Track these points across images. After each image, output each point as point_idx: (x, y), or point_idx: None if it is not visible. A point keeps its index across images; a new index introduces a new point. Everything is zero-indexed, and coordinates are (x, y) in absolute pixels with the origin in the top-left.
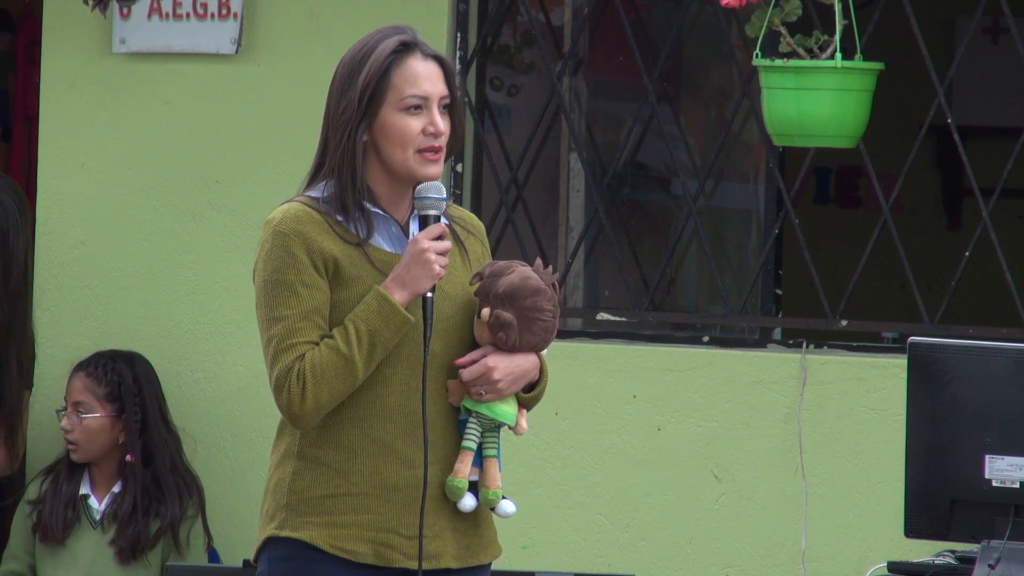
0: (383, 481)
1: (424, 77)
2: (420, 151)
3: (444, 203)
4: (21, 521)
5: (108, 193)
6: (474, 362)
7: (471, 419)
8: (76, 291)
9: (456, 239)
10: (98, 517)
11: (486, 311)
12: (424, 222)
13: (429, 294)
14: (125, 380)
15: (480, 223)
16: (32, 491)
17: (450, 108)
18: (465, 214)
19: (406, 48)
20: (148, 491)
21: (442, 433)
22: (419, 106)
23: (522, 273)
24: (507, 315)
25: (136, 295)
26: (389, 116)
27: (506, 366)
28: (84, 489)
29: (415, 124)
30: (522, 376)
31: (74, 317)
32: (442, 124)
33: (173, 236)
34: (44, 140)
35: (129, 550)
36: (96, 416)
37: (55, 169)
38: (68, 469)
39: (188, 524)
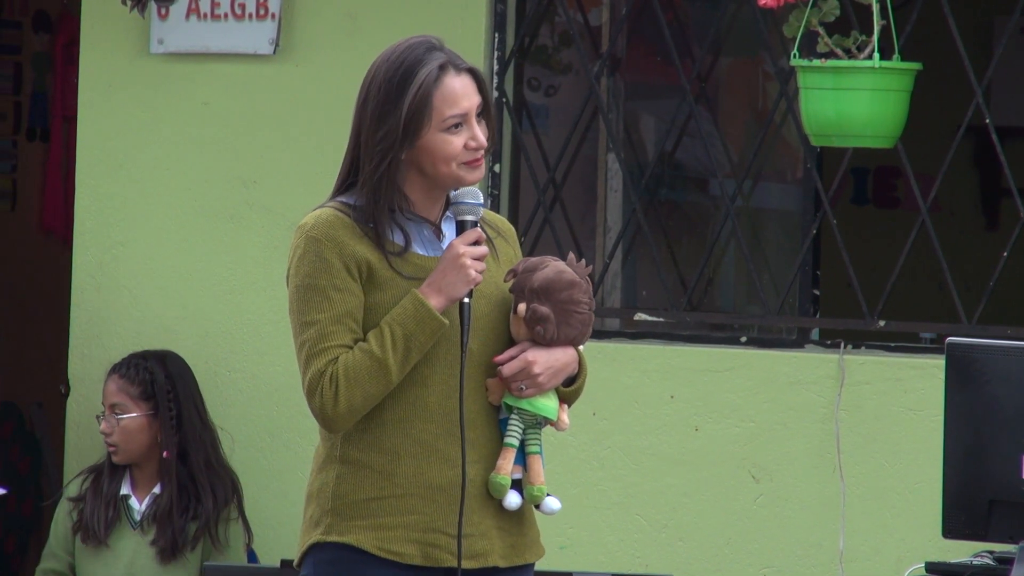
0: (427, 481)
1: (462, 95)
2: (464, 163)
3: (481, 208)
4: (61, 519)
5: (146, 194)
6: (513, 358)
7: (512, 416)
8: (114, 292)
9: (488, 240)
10: (138, 518)
11: (522, 306)
12: (461, 227)
13: (466, 299)
14: (157, 378)
15: (511, 226)
16: (73, 489)
17: (485, 113)
18: (495, 217)
19: (445, 64)
20: (185, 488)
21: (483, 431)
22: (460, 123)
23: (556, 267)
24: (544, 309)
25: (174, 296)
26: (432, 137)
27: (545, 360)
28: (125, 489)
29: (458, 141)
30: (561, 369)
31: (112, 318)
32: (482, 136)
33: (211, 236)
34: (82, 141)
35: (169, 550)
36: (132, 416)
37: (93, 170)
38: (110, 469)
39: (225, 523)
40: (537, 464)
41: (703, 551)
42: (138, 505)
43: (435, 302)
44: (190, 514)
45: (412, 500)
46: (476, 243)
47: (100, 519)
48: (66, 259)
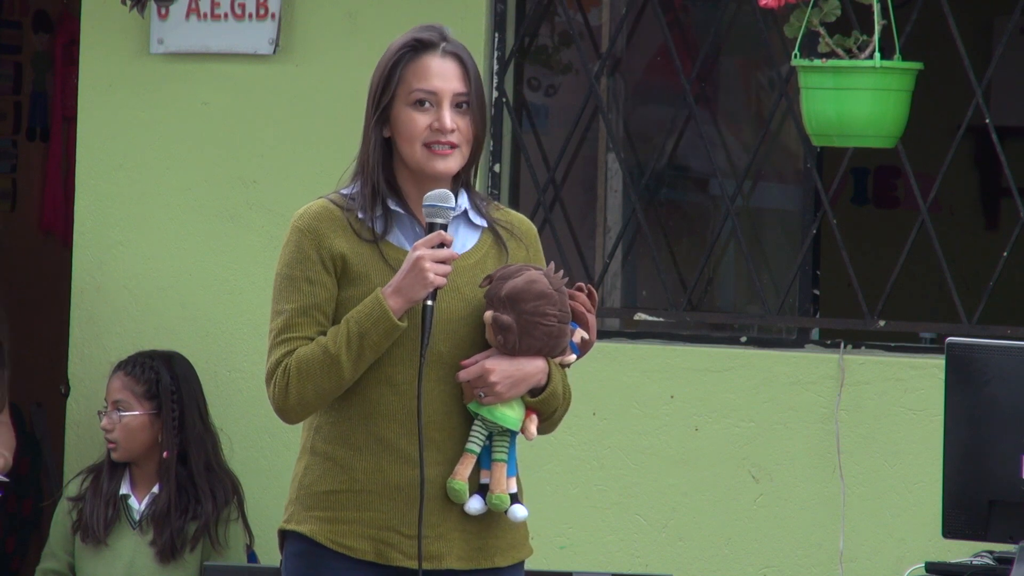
0: (386, 479)
1: (435, 74)
2: (427, 145)
3: (451, 211)
4: (61, 519)
5: (146, 193)
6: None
7: (476, 422)
8: (114, 292)
9: (499, 241)
10: (137, 517)
11: (488, 314)
12: (430, 230)
13: (429, 302)
14: (163, 378)
15: (531, 226)
16: (72, 489)
17: (471, 107)
18: (514, 217)
19: (421, 45)
20: (185, 490)
21: (451, 434)
22: (427, 101)
23: (529, 277)
24: (506, 318)
25: (174, 295)
26: (399, 110)
27: (504, 369)
28: (124, 489)
29: (422, 119)
30: (522, 380)
31: (112, 317)
32: (449, 121)
33: (211, 236)
34: (82, 141)
35: (168, 550)
36: (135, 414)
37: (93, 170)
38: (109, 469)
39: (225, 524)
40: (500, 472)
41: (703, 551)
42: (137, 504)
43: (393, 303)
44: (189, 515)
45: (370, 497)
46: (442, 246)
47: (100, 518)
48: (66, 259)
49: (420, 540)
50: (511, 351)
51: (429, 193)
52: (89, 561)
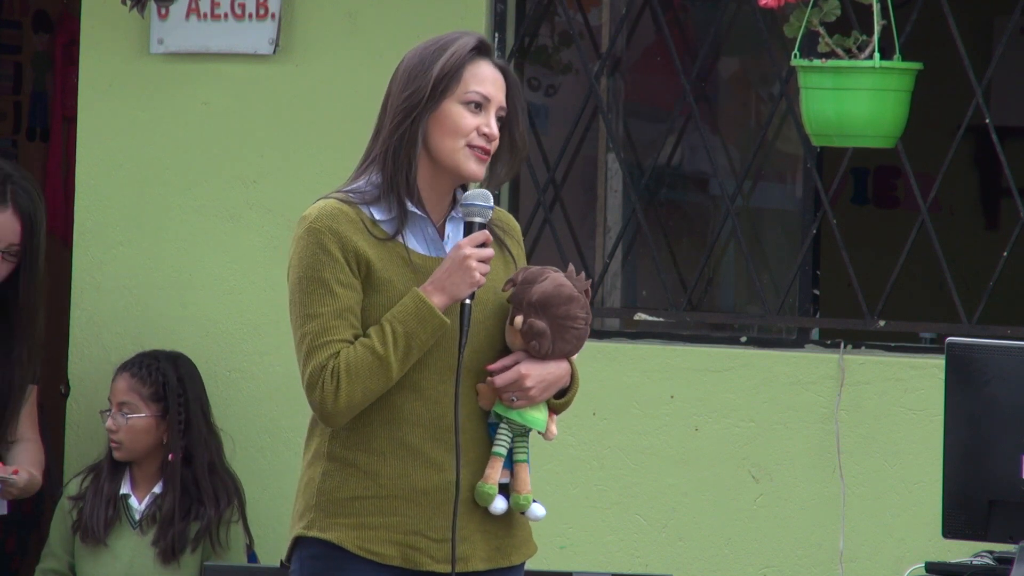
0: (411, 484)
1: (491, 80)
2: (470, 146)
3: (490, 211)
4: (61, 519)
5: (146, 193)
6: (506, 368)
7: (501, 425)
8: (114, 292)
9: (500, 243)
10: (137, 517)
11: (519, 319)
12: (469, 229)
13: (468, 301)
14: (169, 380)
15: (516, 223)
16: (72, 488)
17: (504, 121)
18: (501, 214)
19: (484, 48)
20: (188, 491)
21: (471, 437)
22: (479, 104)
23: (555, 280)
24: (541, 324)
25: (174, 295)
26: (450, 107)
27: (538, 373)
28: (125, 489)
29: (472, 120)
30: (554, 383)
31: (112, 317)
32: (496, 129)
33: (211, 236)
34: (82, 140)
35: (170, 550)
36: (142, 416)
37: (93, 170)
38: (110, 468)
39: (226, 525)
40: (524, 472)
41: (703, 551)
42: (137, 504)
43: (437, 301)
44: (191, 516)
45: (395, 502)
46: (483, 245)
47: (99, 518)
48: (66, 259)
49: (454, 544)
50: (544, 356)
51: (469, 192)
52: (89, 561)
